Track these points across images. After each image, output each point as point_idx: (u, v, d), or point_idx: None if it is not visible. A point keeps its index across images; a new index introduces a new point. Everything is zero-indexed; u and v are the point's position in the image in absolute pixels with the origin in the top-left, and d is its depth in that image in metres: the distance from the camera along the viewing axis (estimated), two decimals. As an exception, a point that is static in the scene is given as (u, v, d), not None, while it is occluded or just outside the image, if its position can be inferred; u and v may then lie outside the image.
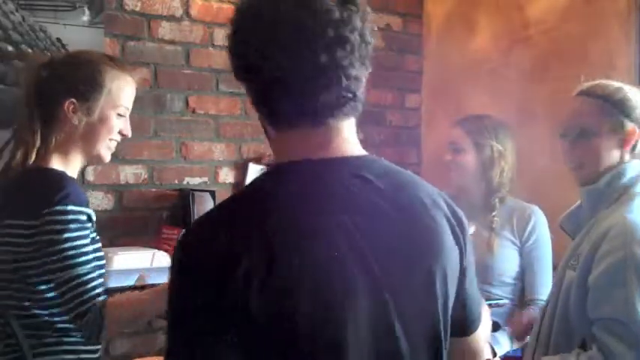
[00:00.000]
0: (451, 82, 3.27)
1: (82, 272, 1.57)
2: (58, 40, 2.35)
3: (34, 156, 1.68)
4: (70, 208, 1.58)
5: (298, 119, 1.05)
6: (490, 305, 2.15)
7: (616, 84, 1.80)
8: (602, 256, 1.62)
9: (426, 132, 3.42)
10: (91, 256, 1.60)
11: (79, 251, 1.58)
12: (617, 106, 1.76)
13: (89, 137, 1.72)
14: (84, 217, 1.61)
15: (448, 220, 1.13)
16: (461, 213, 1.17)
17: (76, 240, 1.58)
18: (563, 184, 1.94)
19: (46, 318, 1.63)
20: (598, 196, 1.74)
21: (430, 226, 1.09)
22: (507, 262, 2.45)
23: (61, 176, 1.66)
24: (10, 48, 2.27)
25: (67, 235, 1.57)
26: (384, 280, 1.01)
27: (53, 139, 1.70)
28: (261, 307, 0.93)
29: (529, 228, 2.44)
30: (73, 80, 1.71)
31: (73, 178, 1.70)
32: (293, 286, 0.95)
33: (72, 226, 1.58)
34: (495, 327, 2.44)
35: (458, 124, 2.54)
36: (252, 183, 1.10)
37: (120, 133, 1.76)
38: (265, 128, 1.11)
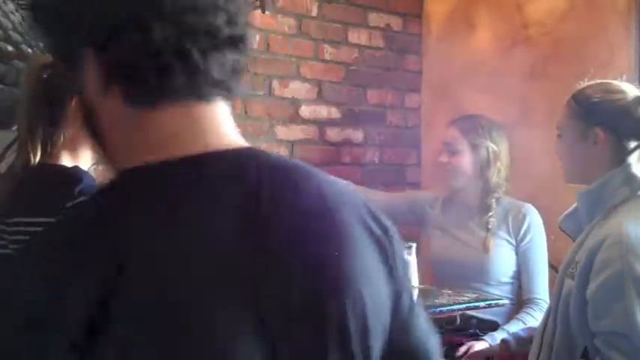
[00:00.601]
0: (451, 82, 3.27)
1: None
2: (58, 40, 2.35)
3: (39, 155, 1.69)
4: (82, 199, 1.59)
5: (177, 94, 0.75)
6: (490, 305, 2.16)
7: (603, 87, 1.79)
8: (599, 267, 1.61)
9: (426, 132, 3.42)
10: None
11: None
12: (583, 107, 1.76)
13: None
14: None
15: (369, 232, 0.80)
16: (388, 224, 0.84)
17: None
18: (563, 185, 1.95)
19: None
20: (592, 200, 1.74)
21: (334, 242, 0.78)
22: (504, 261, 2.46)
23: (75, 169, 1.67)
24: (10, 48, 2.27)
25: None
26: (266, 323, 0.72)
27: (61, 137, 1.70)
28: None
29: (524, 227, 2.45)
30: None
31: (86, 171, 1.71)
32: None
33: None
34: (494, 326, 2.44)
35: (452, 125, 2.55)
36: (92, 197, 0.83)
37: None
38: (95, 115, 0.80)
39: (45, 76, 1.72)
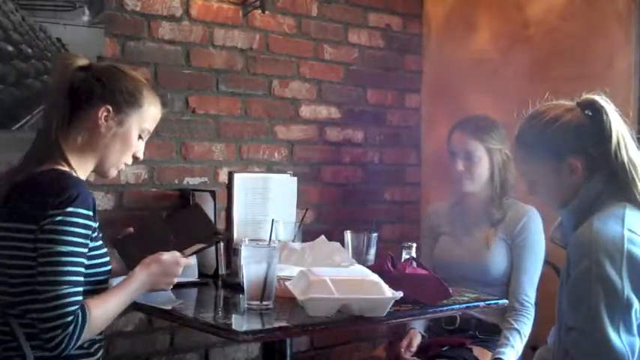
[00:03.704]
0: (451, 82, 3.27)
1: (59, 293, 1.55)
2: (58, 40, 2.35)
3: (52, 153, 1.68)
4: (69, 209, 1.57)
5: None
6: (489, 305, 2.16)
7: (551, 113, 1.77)
8: (572, 267, 1.64)
9: (426, 132, 3.42)
10: (79, 268, 1.59)
11: (68, 259, 1.57)
12: (550, 147, 1.75)
13: (109, 147, 1.75)
14: (83, 221, 1.60)
15: None
16: None
17: (69, 245, 1.57)
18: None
19: None
20: (575, 216, 1.75)
21: None
22: (502, 259, 2.48)
23: (68, 179, 1.65)
24: (10, 48, 2.27)
25: (59, 248, 1.56)
26: None
27: (77, 139, 1.72)
28: None
29: (519, 226, 2.47)
30: (114, 88, 1.73)
31: (79, 178, 1.70)
32: None
33: (70, 229, 1.58)
34: (494, 328, 2.44)
35: (463, 131, 2.53)
36: None
37: (133, 155, 1.80)
38: None
39: (82, 76, 1.73)
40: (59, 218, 1.57)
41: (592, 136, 1.73)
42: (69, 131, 1.71)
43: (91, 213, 1.62)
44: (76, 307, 1.56)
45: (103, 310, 1.63)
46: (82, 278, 1.59)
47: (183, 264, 1.84)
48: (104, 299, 1.65)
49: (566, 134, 1.74)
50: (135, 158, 1.82)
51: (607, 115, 1.71)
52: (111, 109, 1.72)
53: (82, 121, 1.72)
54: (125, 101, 1.74)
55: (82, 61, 1.77)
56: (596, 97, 1.75)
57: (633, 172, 1.71)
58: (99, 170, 1.79)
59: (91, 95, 1.72)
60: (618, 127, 1.72)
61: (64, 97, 1.70)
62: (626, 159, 1.70)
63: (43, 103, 1.77)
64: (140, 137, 1.80)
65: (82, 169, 1.74)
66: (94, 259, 1.66)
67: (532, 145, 1.79)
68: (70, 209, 1.58)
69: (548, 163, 1.76)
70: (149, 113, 1.79)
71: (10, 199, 1.67)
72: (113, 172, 1.81)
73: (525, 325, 2.39)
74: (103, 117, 1.72)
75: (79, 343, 1.57)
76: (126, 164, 1.81)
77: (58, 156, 1.69)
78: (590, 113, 1.75)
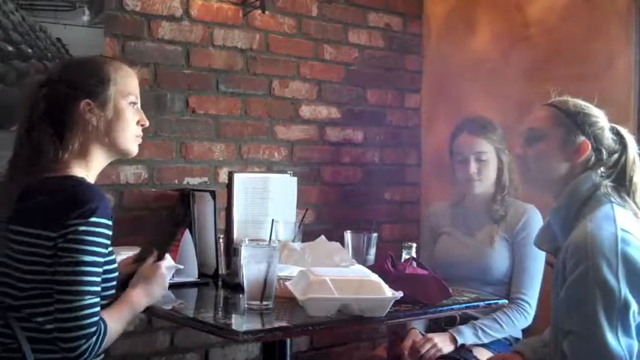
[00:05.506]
0: (451, 82, 3.27)
1: (84, 303, 1.55)
2: (58, 40, 2.35)
3: (54, 164, 1.68)
4: (92, 219, 1.58)
5: None
6: (490, 305, 2.16)
7: (583, 103, 1.84)
8: (569, 271, 1.65)
9: (426, 132, 3.42)
10: (99, 278, 1.60)
11: (90, 269, 1.58)
12: (570, 117, 1.80)
13: (111, 133, 1.75)
14: (105, 231, 1.62)
15: None
16: None
17: (91, 255, 1.58)
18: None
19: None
20: (563, 215, 1.76)
21: None
22: (503, 257, 2.49)
23: (87, 188, 1.66)
24: (10, 48, 2.27)
25: (83, 257, 1.57)
26: None
27: (75, 144, 1.71)
28: None
29: (520, 225, 2.48)
30: (81, 80, 1.72)
31: (98, 188, 1.69)
32: None
33: (94, 239, 1.58)
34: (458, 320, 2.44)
35: (471, 133, 2.53)
36: None
37: (138, 123, 1.79)
38: None
39: (48, 89, 1.72)
40: (83, 228, 1.57)
41: (608, 145, 1.78)
42: (66, 142, 1.70)
43: (110, 222, 1.64)
44: (98, 317, 1.58)
45: (116, 325, 1.66)
46: (100, 288, 1.60)
47: (164, 268, 1.85)
48: (117, 313, 1.68)
49: (593, 119, 1.79)
50: (142, 126, 1.82)
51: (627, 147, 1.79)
52: (89, 100, 1.71)
53: (72, 127, 1.71)
54: (95, 85, 1.72)
55: (40, 79, 1.76)
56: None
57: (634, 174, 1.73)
58: (118, 154, 1.80)
59: (65, 99, 1.71)
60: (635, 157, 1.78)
61: (41, 120, 1.69)
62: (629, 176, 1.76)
63: (23, 129, 1.73)
64: (133, 104, 1.79)
65: (94, 166, 1.75)
66: (107, 265, 1.67)
67: (561, 111, 1.82)
68: (93, 219, 1.58)
69: (562, 132, 1.80)
70: (123, 81, 1.77)
71: (23, 202, 1.66)
72: (134, 149, 1.81)
73: (510, 320, 2.39)
74: (86, 112, 1.71)
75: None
76: (140, 133, 1.81)
77: (67, 163, 1.70)
78: (615, 136, 1.81)
